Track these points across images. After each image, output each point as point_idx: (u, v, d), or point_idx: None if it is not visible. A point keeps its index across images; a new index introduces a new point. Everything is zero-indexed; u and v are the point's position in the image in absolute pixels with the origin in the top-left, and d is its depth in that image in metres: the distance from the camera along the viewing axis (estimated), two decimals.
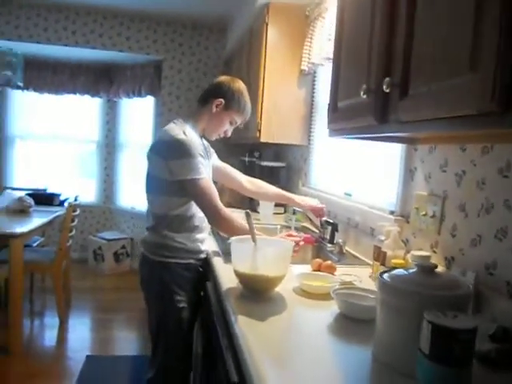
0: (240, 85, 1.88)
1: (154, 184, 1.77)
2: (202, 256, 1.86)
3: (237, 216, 1.78)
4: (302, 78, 2.76)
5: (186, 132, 1.71)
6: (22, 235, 2.94)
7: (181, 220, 1.76)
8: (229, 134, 1.94)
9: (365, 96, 1.17)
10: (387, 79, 1.03)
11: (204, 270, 1.87)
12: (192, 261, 1.81)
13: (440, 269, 1.03)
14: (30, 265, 3.22)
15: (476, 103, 0.73)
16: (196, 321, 1.89)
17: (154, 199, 1.81)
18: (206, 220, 1.77)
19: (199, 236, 1.82)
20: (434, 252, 1.48)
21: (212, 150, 2.02)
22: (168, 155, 1.68)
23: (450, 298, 0.90)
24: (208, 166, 1.84)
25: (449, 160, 1.45)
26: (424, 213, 1.54)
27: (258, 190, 2.19)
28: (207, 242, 1.91)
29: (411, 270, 1.00)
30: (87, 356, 2.94)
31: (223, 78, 1.91)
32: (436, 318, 0.79)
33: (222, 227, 1.76)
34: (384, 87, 1.03)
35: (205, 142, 1.92)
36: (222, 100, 1.83)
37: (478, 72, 0.73)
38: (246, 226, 1.56)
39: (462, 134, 1.21)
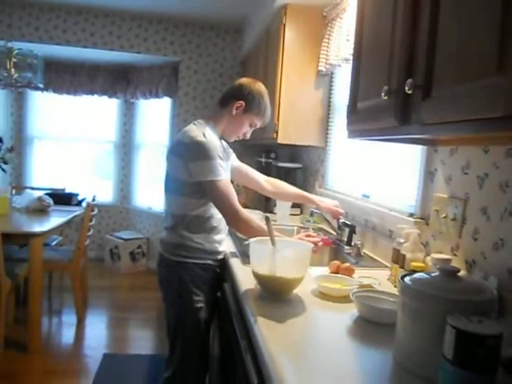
0: (261, 87, 1.88)
1: (173, 185, 1.78)
2: (220, 257, 1.86)
3: (255, 217, 1.78)
4: (320, 78, 2.75)
5: (205, 134, 1.71)
6: (42, 234, 2.98)
7: (199, 221, 1.77)
8: (248, 136, 1.94)
9: (386, 97, 1.15)
10: (409, 80, 1.01)
11: (221, 271, 1.87)
12: (209, 261, 1.82)
13: (461, 273, 1.01)
14: (48, 263, 3.27)
15: (504, 105, 0.71)
16: (212, 322, 1.89)
17: (172, 200, 1.82)
18: (224, 221, 1.77)
19: (217, 237, 1.83)
20: (455, 255, 1.46)
21: (231, 151, 2.02)
22: (187, 156, 1.69)
23: (475, 302, 0.88)
24: (227, 168, 1.84)
25: (471, 162, 1.42)
26: (444, 215, 1.51)
27: (278, 189, 2.19)
28: (225, 243, 1.91)
29: (433, 274, 0.98)
30: (104, 354, 2.97)
31: (244, 80, 1.91)
32: (460, 324, 0.78)
33: (240, 229, 1.76)
34: (406, 88, 1.02)
35: (224, 144, 1.92)
36: (242, 102, 1.83)
37: (506, 73, 0.72)
38: (264, 227, 1.56)
39: (486, 136, 1.19)
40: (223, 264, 1.87)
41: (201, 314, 1.79)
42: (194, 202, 1.75)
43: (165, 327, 1.90)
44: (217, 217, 1.79)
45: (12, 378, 2.64)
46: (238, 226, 1.74)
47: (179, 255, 1.78)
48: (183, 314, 1.79)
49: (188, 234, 1.77)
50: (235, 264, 1.72)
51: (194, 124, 1.80)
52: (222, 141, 1.90)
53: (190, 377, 1.82)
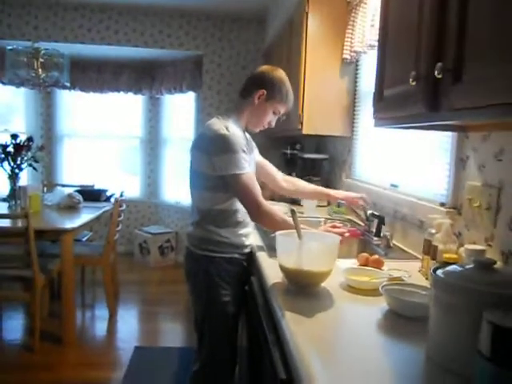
0: (281, 73, 1.85)
1: (198, 179, 1.78)
2: (247, 250, 1.85)
3: (279, 210, 1.76)
4: (344, 67, 2.69)
5: (228, 127, 1.69)
6: (73, 230, 3.05)
7: (225, 215, 1.76)
8: (273, 124, 1.91)
9: (414, 83, 1.11)
10: (439, 64, 0.97)
11: (248, 265, 1.86)
12: (236, 255, 1.81)
13: (497, 264, 0.97)
14: (80, 258, 3.34)
15: None
16: (240, 315, 1.89)
17: (197, 194, 1.81)
18: None
19: (243, 231, 1.82)
20: (490, 246, 1.41)
21: (253, 144, 2.00)
22: (210, 150, 1.68)
23: None
24: (251, 161, 1.82)
25: (505, 148, 1.36)
26: (478, 204, 1.46)
27: (295, 188, 2.17)
28: (251, 237, 1.90)
29: (467, 266, 0.94)
30: (135, 347, 3.03)
31: (263, 68, 1.89)
32: (498, 319, 0.74)
33: (263, 222, 1.74)
34: (435, 73, 0.98)
35: (247, 136, 1.90)
36: (263, 91, 1.80)
37: None
38: (288, 220, 1.54)
39: None
40: (250, 258, 1.86)
41: (228, 308, 1.79)
42: (219, 196, 1.74)
43: (193, 320, 1.91)
44: (243, 210, 1.78)
45: (49, 369, 2.72)
46: (260, 219, 1.72)
47: (206, 249, 1.78)
48: (210, 308, 1.79)
49: (214, 228, 1.77)
50: (262, 257, 1.71)
51: (217, 118, 1.78)
52: (246, 134, 1.88)
53: (218, 370, 1.82)
